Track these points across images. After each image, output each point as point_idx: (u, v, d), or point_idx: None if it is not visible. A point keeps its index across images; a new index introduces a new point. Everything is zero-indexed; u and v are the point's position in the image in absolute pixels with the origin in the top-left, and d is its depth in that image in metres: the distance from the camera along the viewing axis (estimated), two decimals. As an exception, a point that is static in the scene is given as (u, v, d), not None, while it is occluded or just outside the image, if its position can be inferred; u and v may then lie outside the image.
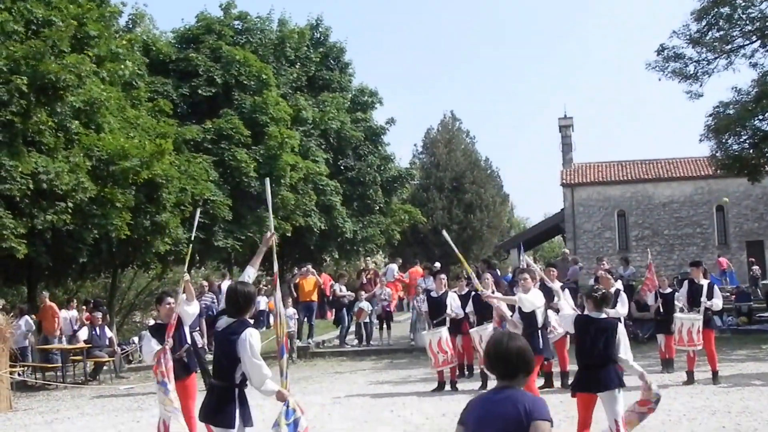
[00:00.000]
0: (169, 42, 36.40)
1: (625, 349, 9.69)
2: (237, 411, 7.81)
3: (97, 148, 24.53)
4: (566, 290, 17.03)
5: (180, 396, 11.47)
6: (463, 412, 5.50)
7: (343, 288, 27.52)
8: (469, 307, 18.15)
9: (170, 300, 12.06)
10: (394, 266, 33.61)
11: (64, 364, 24.51)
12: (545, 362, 16.23)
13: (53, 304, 25.76)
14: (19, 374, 21.90)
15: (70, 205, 22.97)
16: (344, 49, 44.83)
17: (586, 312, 10.23)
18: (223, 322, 8.00)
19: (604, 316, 10.01)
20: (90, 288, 39.48)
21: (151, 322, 33.12)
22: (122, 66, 27.52)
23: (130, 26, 33.46)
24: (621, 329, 9.83)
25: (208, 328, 20.64)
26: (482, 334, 16.65)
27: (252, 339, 7.74)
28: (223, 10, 38.51)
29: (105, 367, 24.20)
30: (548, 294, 14.48)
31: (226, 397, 7.84)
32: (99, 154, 24.46)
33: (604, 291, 10.25)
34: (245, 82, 34.82)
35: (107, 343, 23.90)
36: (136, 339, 27.74)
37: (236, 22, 38.38)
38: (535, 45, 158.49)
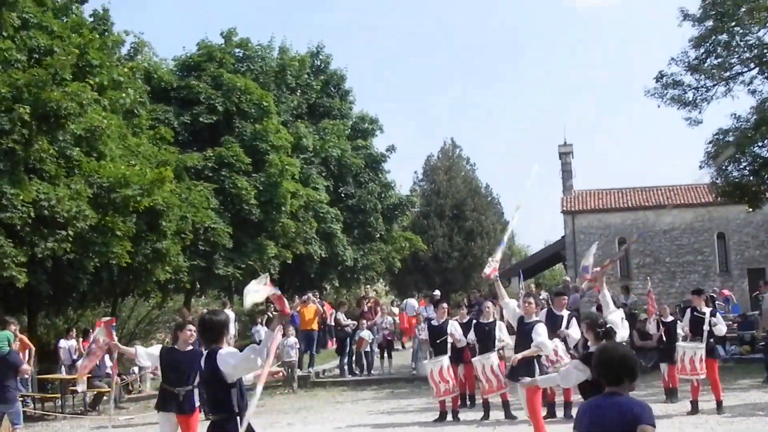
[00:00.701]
0: (170, 70, 36.45)
1: None
2: None
3: (98, 176, 24.51)
4: (573, 318, 17.09)
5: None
6: (575, 419, 6.09)
7: (343, 316, 27.45)
8: (471, 336, 18.09)
9: (191, 327, 12.03)
10: (414, 301, 33.54)
11: (63, 395, 24.39)
12: (548, 392, 16.22)
13: (23, 336, 24.88)
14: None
15: (71, 233, 22.88)
16: (345, 77, 45.08)
17: (590, 349, 10.08)
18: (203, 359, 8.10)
19: None
20: (90, 317, 39.34)
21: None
22: (124, 94, 27.57)
23: (132, 54, 33.52)
24: None
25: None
26: (485, 362, 16.61)
27: (227, 352, 7.88)
28: (225, 37, 38.59)
29: (104, 398, 24.07)
30: (554, 322, 14.48)
31: (230, 428, 7.80)
32: (100, 181, 24.44)
33: (609, 327, 10.11)
34: (246, 110, 34.85)
35: (107, 372, 23.73)
36: (136, 369, 27.61)
37: (237, 50, 38.46)
38: (534, 72, 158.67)
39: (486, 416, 17.26)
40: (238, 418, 7.76)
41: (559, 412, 17.11)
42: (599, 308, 18.52)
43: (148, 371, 26.48)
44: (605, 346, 6.24)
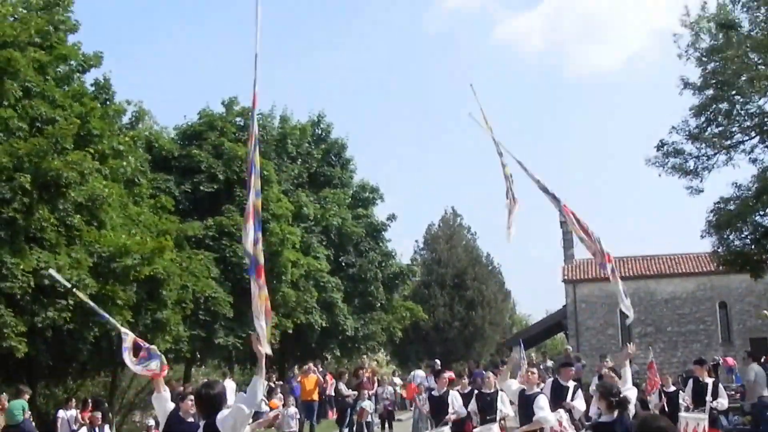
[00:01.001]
0: (171, 138, 36.63)
1: None
2: None
3: (99, 245, 24.51)
4: (578, 390, 16.96)
5: None
6: None
7: (344, 386, 27.31)
8: (472, 406, 17.91)
9: (192, 398, 11.91)
10: (421, 372, 33.38)
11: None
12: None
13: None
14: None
15: (71, 302, 22.80)
16: (345, 146, 45.38)
17: (602, 418, 9.95)
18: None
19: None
20: (90, 387, 39.18)
21: (151, 422, 32.95)
22: (125, 163, 27.69)
23: (133, 123, 33.63)
24: None
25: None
26: None
27: (221, 416, 8.08)
28: (225, 106, 38.66)
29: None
30: (560, 393, 14.41)
31: None
32: (100, 251, 24.43)
33: (623, 396, 9.99)
34: (247, 179, 34.81)
35: None
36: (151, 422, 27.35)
37: (238, 119, 38.48)
38: (533, 142, 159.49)
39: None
40: None
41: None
42: (600, 377, 18.51)
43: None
44: (646, 418, 6.37)
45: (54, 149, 23.15)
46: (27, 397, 22.42)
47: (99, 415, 23.73)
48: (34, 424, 22.66)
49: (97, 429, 23.10)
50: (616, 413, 9.69)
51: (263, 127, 39.55)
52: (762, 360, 25.78)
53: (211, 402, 8.28)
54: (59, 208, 23.61)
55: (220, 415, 8.01)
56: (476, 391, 17.78)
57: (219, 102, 39.13)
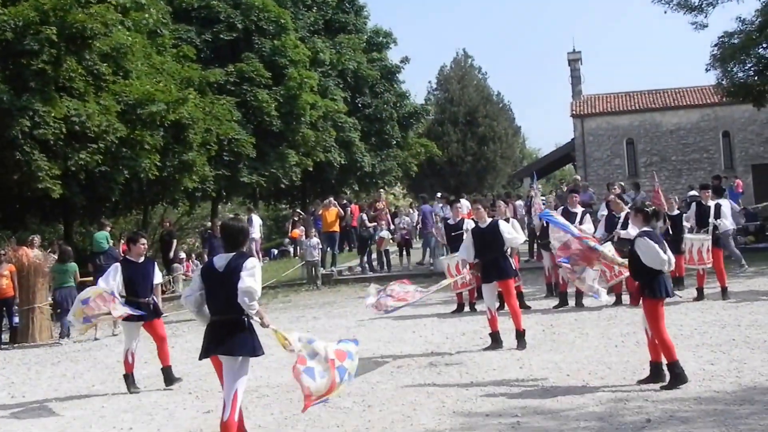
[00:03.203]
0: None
1: None
2: (254, 338, 8.17)
3: (125, 94, 25.41)
4: (587, 215, 17.96)
5: (155, 331, 12.55)
6: None
7: (366, 218, 28.15)
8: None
9: (143, 241, 12.89)
10: (466, 201, 34.08)
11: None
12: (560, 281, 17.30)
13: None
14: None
15: (102, 146, 23.96)
16: (359, -8, 45.61)
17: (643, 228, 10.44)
18: (220, 261, 8.29)
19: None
20: (123, 224, 40.50)
21: (182, 254, 34.21)
22: (146, 15, 28.31)
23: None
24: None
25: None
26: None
27: (253, 264, 8.19)
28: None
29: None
30: (569, 218, 15.21)
31: (241, 328, 8.08)
32: (127, 99, 25.35)
33: (655, 207, 10.76)
34: (264, 27, 35.62)
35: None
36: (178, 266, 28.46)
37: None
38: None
39: (501, 306, 17.87)
40: (246, 319, 8.11)
41: (571, 301, 17.77)
42: (608, 205, 19.20)
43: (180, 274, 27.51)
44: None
45: (78, 3, 23.82)
46: (109, 229, 24.16)
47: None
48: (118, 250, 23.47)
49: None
50: (653, 223, 10.51)
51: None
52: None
53: (234, 234, 8.40)
54: (86, 58, 24.47)
55: (248, 261, 8.13)
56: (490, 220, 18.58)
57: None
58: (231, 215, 30.17)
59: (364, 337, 14.97)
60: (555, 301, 18.11)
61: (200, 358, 8.45)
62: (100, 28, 23.86)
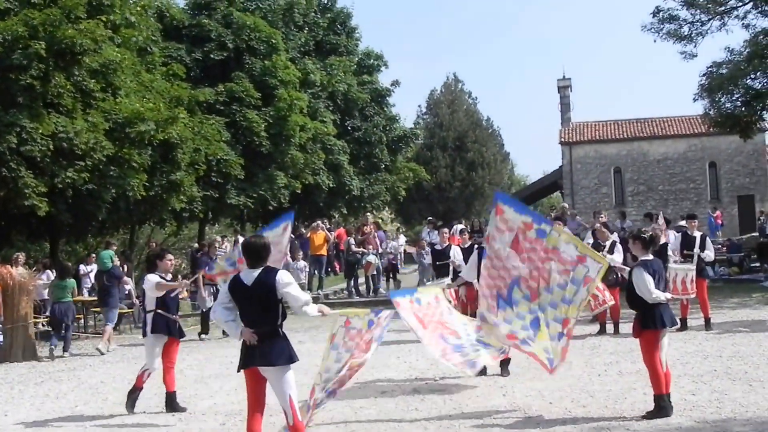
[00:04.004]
0: (181, 9, 36.92)
1: None
2: (290, 346, 8.46)
3: (114, 112, 25.24)
4: (616, 244, 17.99)
5: (170, 354, 12.31)
6: None
7: (353, 242, 28.19)
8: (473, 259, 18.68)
9: (170, 257, 12.88)
10: (460, 226, 34.14)
11: (85, 315, 25.31)
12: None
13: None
14: (42, 325, 22.82)
15: (89, 164, 23.77)
16: (351, 15, 45.76)
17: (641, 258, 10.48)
18: (248, 276, 8.50)
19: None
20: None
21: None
22: (136, 32, 28.16)
23: (145, -8, 33.99)
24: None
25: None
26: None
27: (286, 276, 8.53)
28: (234, -24, 38.89)
29: (124, 318, 24.96)
30: None
31: (277, 338, 8.41)
32: (116, 117, 25.17)
33: (652, 234, 10.82)
34: (255, 47, 35.50)
35: (126, 295, 24.46)
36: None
37: (247, -12, 38.75)
38: (534, 9, 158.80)
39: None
40: (279, 329, 8.42)
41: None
42: (594, 233, 19.33)
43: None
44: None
45: (67, 18, 23.66)
46: (114, 247, 24.69)
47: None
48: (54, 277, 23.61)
49: (116, 282, 24.28)
50: (650, 251, 10.55)
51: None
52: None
53: (257, 250, 8.56)
54: (75, 74, 24.22)
55: (279, 275, 8.43)
56: (476, 246, 18.62)
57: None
58: (217, 237, 30.14)
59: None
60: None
61: (238, 370, 8.63)
62: (89, 44, 23.68)
